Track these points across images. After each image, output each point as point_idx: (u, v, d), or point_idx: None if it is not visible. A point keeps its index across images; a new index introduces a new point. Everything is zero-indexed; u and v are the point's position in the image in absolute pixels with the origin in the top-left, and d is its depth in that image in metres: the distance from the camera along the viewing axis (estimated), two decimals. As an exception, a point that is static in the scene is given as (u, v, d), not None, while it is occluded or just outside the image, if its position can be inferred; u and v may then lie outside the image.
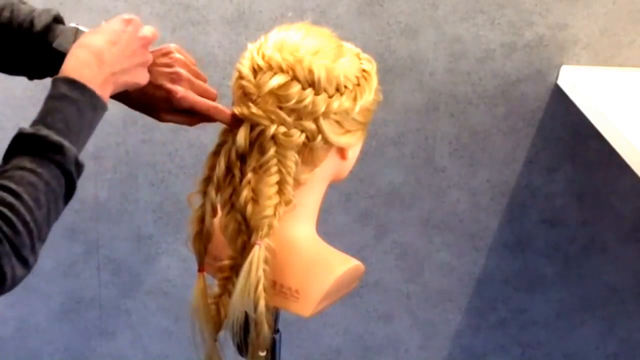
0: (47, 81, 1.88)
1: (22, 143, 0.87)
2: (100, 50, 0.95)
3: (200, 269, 1.09)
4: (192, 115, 1.08)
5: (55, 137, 0.87)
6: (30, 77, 1.14)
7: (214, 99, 1.08)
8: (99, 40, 0.96)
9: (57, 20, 1.10)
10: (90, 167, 1.85)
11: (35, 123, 0.89)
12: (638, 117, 1.53)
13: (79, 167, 0.90)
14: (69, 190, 0.90)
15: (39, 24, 1.08)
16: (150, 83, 1.05)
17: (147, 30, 1.00)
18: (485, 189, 1.92)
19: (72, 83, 0.91)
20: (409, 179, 1.91)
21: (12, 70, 1.13)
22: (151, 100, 1.07)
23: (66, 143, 0.88)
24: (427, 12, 1.75)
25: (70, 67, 0.93)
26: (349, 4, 1.75)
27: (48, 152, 0.87)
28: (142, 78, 1.01)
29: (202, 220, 1.06)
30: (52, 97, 0.91)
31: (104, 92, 0.95)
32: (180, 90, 1.05)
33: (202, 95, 1.07)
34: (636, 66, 1.80)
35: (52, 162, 0.87)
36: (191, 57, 1.11)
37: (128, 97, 1.08)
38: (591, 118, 1.61)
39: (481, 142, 1.87)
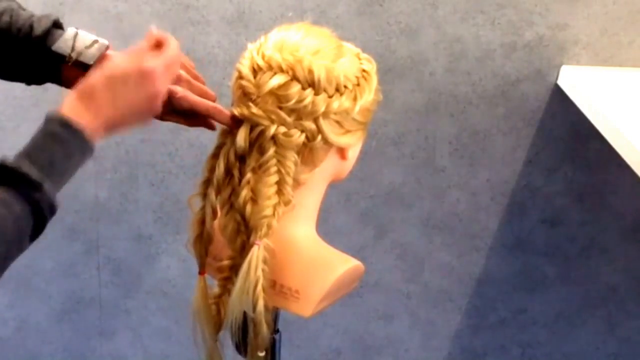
0: (46, 83, 1.87)
1: (3, 174, 0.86)
2: (101, 97, 0.93)
3: (201, 272, 1.09)
4: (192, 117, 1.08)
5: (36, 175, 0.86)
6: (29, 83, 1.13)
7: (213, 101, 1.08)
8: (103, 85, 0.93)
9: (57, 25, 1.09)
10: (90, 167, 1.85)
11: (20, 155, 0.87)
12: (638, 117, 1.53)
13: (53, 209, 0.88)
14: (37, 230, 0.88)
15: (39, 28, 1.07)
16: None
17: (161, 85, 0.95)
18: (485, 189, 1.92)
19: (66, 124, 0.90)
20: (409, 179, 1.91)
21: (11, 76, 1.12)
22: None
23: (46, 184, 0.86)
24: (427, 12, 1.75)
25: (69, 106, 0.92)
26: (349, 4, 1.75)
27: (26, 188, 0.85)
28: (141, 123, 0.98)
29: (202, 222, 1.06)
30: (43, 133, 0.89)
31: (96, 137, 0.93)
32: (179, 91, 1.05)
33: (201, 97, 1.07)
34: (636, 66, 1.80)
35: (27, 199, 0.85)
36: (189, 60, 1.11)
37: None
38: (591, 118, 1.61)
39: (481, 142, 1.87)
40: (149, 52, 0.97)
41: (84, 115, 0.91)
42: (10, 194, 0.85)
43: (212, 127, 1.08)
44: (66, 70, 1.08)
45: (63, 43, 1.06)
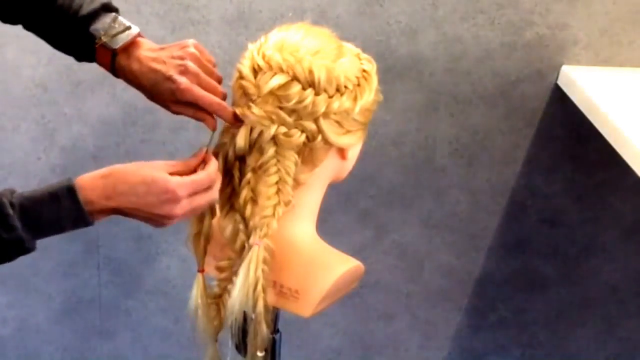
0: (46, 83, 1.87)
1: None
2: (122, 188, 0.96)
3: (200, 269, 1.09)
4: (198, 110, 1.08)
5: (15, 222, 0.91)
6: (78, 59, 1.18)
7: (222, 98, 1.07)
8: (131, 177, 0.96)
9: (106, 7, 1.13)
10: (91, 167, 1.84)
11: (16, 202, 0.92)
12: (638, 117, 1.53)
13: (19, 249, 0.93)
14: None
15: (87, 9, 1.12)
16: (162, 74, 1.06)
17: (180, 210, 0.98)
18: (485, 189, 1.92)
19: (71, 191, 0.94)
20: (409, 179, 1.91)
21: (65, 50, 1.18)
22: (161, 91, 1.08)
23: (20, 232, 0.91)
24: (427, 12, 1.75)
25: (89, 178, 0.96)
26: (349, 4, 1.75)
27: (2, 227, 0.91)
28: (154, 225, 1.02)
29: (201, 220, 1.06)
30: (50, 192, 0.94)
31: (100, 215, 0.97)
32: (183, 82, 1.05)
33: (209, 92, 1.07)
34: (636, 66, 1.80)
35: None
36: (210, 55, 1.11)
37: (142, 86, 1.10)
38: (591, 118, 1.61)
39: (481, 142, 1.87)
40: (187, 169, 0.99)
41: (98, 192, 0.95)
42: None
43: (212, 127, 1.08)
44: (98, 51, 1.12)
45: (100, 25, 1.11)
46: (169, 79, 1.05)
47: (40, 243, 0.95)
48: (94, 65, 1.82)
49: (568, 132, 1.86)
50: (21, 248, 0.93)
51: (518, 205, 1.94)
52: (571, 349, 2.10)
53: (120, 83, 1.81)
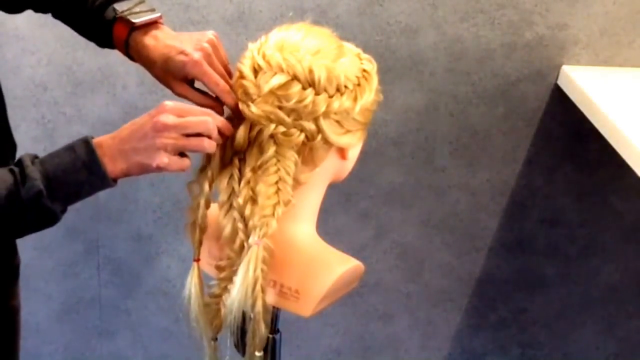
0: (46, 83, 1.87)
1: (17, 163, 0.98)
2: (120, 129, 1.00)
3: (195, 259, 1.09)
4: (202, 95, 1.08)
5: (37, 182, 0.95)
6: (100, 45, 1.21)
7: (229, 85, 1.07)
8: (130, 122, 1.01)
9: None
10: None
11: (37, 160, 0.98)
12: (638, 117, 1.53)
13: (37, 202, 0.96)
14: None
15: None
16: (175, 48, 1.08)
17: (166, 117, 0.98)
18: (485, 189, 1.92)
19: (88, 145, 0.99)
20: (409, 179, 1.91)
21: (90, 36, 1.22)
22: (171, 65, 1.09)
23: (36, 182, 0.95)
24: (427, 12, 1.75)
25: (102, 136, 1.01)
26: (349, 4, 1.75)
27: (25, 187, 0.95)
28: (151, 160, 0.99)
29: (196, 209, 1.07)
30: (66, 146, 0.99)
31: (114, 166, 0.99)
32: (196, 55, 1.07)
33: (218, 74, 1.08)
34: (636, 66, 1.80)
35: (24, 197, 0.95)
36: (223, 51, 1.13)
37: (152, 61, 1.11)
38: (591, 118, 1.61)
39: (481, 142, 1.87)
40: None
41: (108, 137, 1.00)
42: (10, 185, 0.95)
43: (219, 111, 1.08)
44: (116, 26, 1.15)
45: (125, 5, 1.15)
46: (182, 52, 1.08)
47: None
48: (94, 65, 1.82)
49: (568, 132, 1.86)
50: (39, 202, 0.95)
51: (518, 205, 1.94)
52: (571, 349, 2.10)
53: (121, 83, 1.82)
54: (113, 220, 1.95)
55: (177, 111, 0.98)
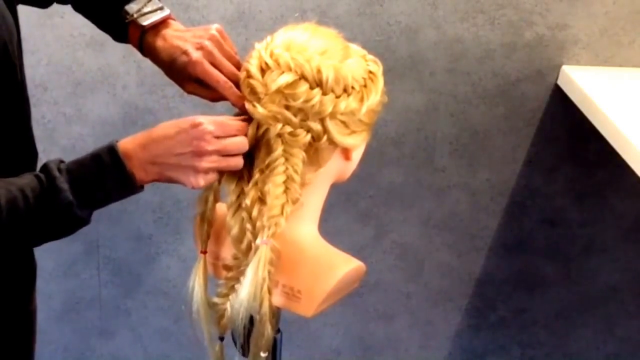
0: (46, 83, 1.87)
1: (42, 170, 0.97)
2: (150, 139, 0.99)
3: (202, 251, 1.09)
4: (213, 91, 1.09)
5: (67, 194, 0.95)
6: (116, 40, 1.22)
7: (236, 80, 1.07)
8: (159, 130, 0.99)
9: None
10: (90, 167, 1.84)
11: (64, 168, 0.97)
12: (638, 117, 1.53)
13: (73, 217, 0.96)
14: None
15: None
16: (179, 48, 1.10)
17: (207, 143, 0.98)
18: (485, 189, 1.92)
19: (114, 153, 0.98)
20: (409, 179, 1.91)
21: (107, 31, 1.22)
22: (177, 66, 1.10)
23: (62, 184, 0.95)
24: (427, 12, 1.75)
25: (127, 138, 1.00)
26: (349, 4, 1.75)
27: (52, 194, 0.94)
28: (187, 180, 1.00)
29: (206, 201, 1.07)
30: (92, 153, 0.98)
31: (145, 176, 0.99)
32: (195, 55, 1.08)
33: (223, 73, 1.08)
34: (636, 66, 1.80)
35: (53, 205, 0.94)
36: (230, 43, 1.14)
37: (162, 62, 1.13)
38: (591, 118, 1.61)
39: (481, 142, 1.87)
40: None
41: (136, 143, 0.99)
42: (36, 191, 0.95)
43: (235, 100, 1.08)
44: (130, 29, 1.17)
45: (135, 5, 1.16)
46: (184, 52, 1.09)
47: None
48: (94, 65, 1.82)
49: (568, 132, 1.86)
50: (70, 212, 0.95)
51: (518, 205, 1.94)
52: (571, 349, 2.10)
53: (121, 83, 1.82)
54: (113, 221, 1.95)
55: (215, 132, 0.97)
